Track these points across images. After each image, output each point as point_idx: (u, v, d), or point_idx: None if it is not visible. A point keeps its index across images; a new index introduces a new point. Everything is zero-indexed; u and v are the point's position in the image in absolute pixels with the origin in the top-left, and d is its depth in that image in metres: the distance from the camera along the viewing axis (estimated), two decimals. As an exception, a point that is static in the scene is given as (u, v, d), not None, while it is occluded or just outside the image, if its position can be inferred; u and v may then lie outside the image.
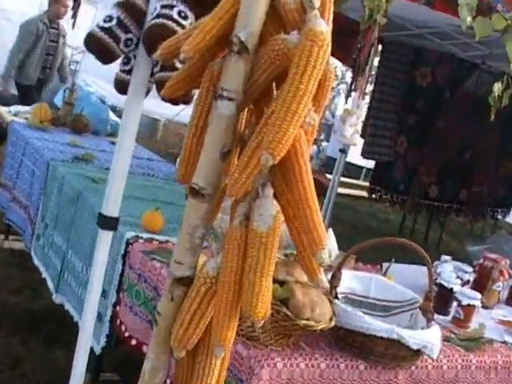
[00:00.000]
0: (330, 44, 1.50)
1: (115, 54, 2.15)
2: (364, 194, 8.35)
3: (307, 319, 2.24)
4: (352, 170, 11.64)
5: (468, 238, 7.82)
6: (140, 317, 2.84)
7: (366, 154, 7.25)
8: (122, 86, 2.31)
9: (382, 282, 2.95)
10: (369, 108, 7.17)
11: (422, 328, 2.54)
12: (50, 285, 3.75)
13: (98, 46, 2.11)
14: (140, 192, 3.79)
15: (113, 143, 4.99)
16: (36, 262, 4.04)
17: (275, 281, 2.28)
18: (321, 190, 7.77)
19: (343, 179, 8.89)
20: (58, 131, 5.13)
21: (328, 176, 8.38)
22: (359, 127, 5.88)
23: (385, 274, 3.31)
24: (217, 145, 1.57)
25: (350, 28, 4.76)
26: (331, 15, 1.61)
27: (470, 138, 7.68)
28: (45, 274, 3.88)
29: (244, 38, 1.53)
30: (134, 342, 2.86)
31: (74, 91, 5.44)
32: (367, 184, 8.10)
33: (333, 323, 2.32)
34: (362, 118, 5.96)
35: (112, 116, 5.59)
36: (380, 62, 7.19)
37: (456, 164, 7.80)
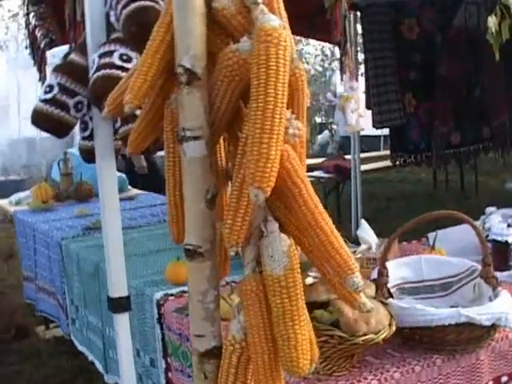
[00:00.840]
0: (289, 37, 1.28)
1: (69, 123, 1.92)
2: (388, 163, 8.13)
3: (364, 334, 2.01)
4: (370, 143, 11.37)
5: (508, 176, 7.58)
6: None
7: (377, 124, 6.97)
8: (88, 155, 2.09)
9: (433, 260, 2.70)
10: (366, 79, 6.89)
11: (490, 298, 2.29)
12: (99, 366, 3.56)
13: (48, 121, 1.88)
14: (158, 244, 3.59)
15: (120, 199, 4.80)
16: (79, 346, 3.85)
17: (318, 305, 2.06)
18: (346, 174, 7.54)
19: (363, 155, 8.69)
20: (64, 206, 4.96)
21: (348, 157, 8.18)
22: (361, 110, 5.64)
23: (433, 248, 3.06)
24: (198, 193, 1.34)
25: (323, 5, 4.50)
26: (281, 4, 1.39)
27: (475, 75, 7.38)
28: (91, 357, 3.69)
29: (189, 64, 1.30)
30: (194, 404, 2.65)
31: (68, 160, 5.27)
32: (388, 152, 7.89)
33: (393, 328, 2.08)
34: (362, 99, 5.70)
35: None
36: (363, 28, 6.93)
37: (469, 104, 7.49)
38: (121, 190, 5.09)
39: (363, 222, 3.17)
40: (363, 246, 3.01)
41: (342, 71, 4.94)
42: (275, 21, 1.28)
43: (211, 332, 1.41)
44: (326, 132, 16.16)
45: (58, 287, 4.02)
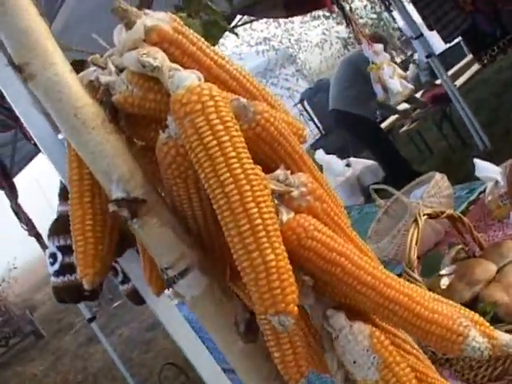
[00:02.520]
0: (215, 89, 0.89)
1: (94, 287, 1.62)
2: (474, 68, 7.58)
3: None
4: (450, 55, 10.58)
5: None
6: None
7: (447, 38, 6.46)
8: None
9: None
10: (414, 3, 6.41)
11: None
12: None
13: (74, 294, 1.60)
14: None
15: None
16: None
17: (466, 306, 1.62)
18: (446, 99, 6.96)
19: (453, 71, 8.10)
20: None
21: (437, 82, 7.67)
22: (398, 69, 5.07)
23: None
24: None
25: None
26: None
27: None
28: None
29: (120, 192, 0.94)
30: None
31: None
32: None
33: None
34: (388, 58, 5.11)
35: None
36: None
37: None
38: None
39: (476, 162, 2.64)
40: (489, 184, 2.51)
41: (358, 42, 4.43)
42: (188, 77, 0.90)
43: None
44: (411, 66, 15.31)
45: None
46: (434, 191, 2.39)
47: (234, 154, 0.84)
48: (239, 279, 0.87)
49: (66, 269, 1.58)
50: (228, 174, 0.83)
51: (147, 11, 0.98)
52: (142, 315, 8.55)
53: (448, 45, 7.72)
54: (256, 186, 0.84)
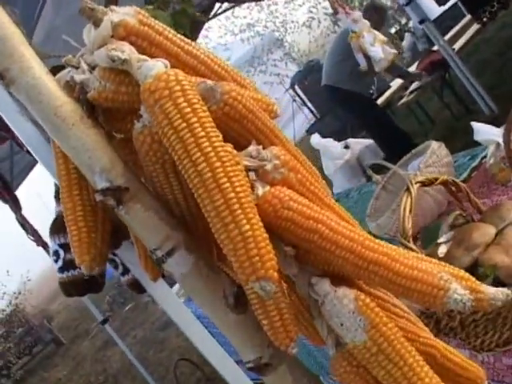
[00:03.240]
0: (182, 74, 0.93)
1: (97, 279, 1.67)
2: (474, 28, 7.42)
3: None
4: (450, 16, 10.39)
5: None
6: None
7: (441, 0, 6.32)
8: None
9: None
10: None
11: None
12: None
13: (77, 286, 1.66)
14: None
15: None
16: None
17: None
18: (445, 64, 6.82)
19: (449, 35, 7.95)
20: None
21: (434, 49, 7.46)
22: (379, 35, 5.04)
23: None
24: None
25: None
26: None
27: None
28: None
29: (104, 182, 0.99)
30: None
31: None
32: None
33: None
34: (368, 25, 5.07)
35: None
36: None
37: None
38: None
39: (474, 125, 2.61)
40: (491, 148, 2.48)
41: (334, 12, 4.42)
42: (155, 66, 0.94)
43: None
44: (407, 35, 15.08)
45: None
46: (431, 160, 2.35)
47: (203, 133, 0.88)
48: (226, 258, 0.92)
49: (69, 264, 1.63)
50: (199, 154, 0.87)
51: (113, 7, 1.02)
52: (153, 316, 8.73)
53: (443, 7, 7.54)
54: (227, 161, 0.88)
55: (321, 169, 6.03)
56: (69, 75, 1.05)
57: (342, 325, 0.96)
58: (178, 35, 1.04)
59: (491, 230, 1.71)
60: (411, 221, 1.65)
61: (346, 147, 5.93)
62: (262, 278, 0.85)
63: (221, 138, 0.90)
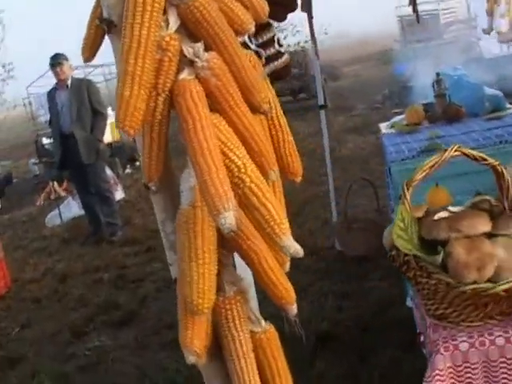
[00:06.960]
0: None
1: None
2: None
3: (474, 282, 1.72)
4: None
5: None
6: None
7: None
8: None
9: None
10: None
11: None
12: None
13: None
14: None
15: (489, 119, 4.53)
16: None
17: (437, 242, 1.81)
18: None
19: None
20: (429, 127, 4.88)
21: None
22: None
23: None
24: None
25: None
26: None
27: None
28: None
29: (106, 14, 1.39)
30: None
31: (441, 81, 5.13)
32: None
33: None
34: None
35: (488, 91, 5.04)
36: None
37: None
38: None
39: None
40: None
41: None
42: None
43: (175, 261, 1.48)
44: None
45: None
46: None
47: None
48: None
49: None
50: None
51: None
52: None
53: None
54: (141, 36, 1.25)
55: None
56: None
57: (182, 192, 1.35)
58: None
59: (483, 228, 1.81)
60: None
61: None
62: (123, 128, 1.24)
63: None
